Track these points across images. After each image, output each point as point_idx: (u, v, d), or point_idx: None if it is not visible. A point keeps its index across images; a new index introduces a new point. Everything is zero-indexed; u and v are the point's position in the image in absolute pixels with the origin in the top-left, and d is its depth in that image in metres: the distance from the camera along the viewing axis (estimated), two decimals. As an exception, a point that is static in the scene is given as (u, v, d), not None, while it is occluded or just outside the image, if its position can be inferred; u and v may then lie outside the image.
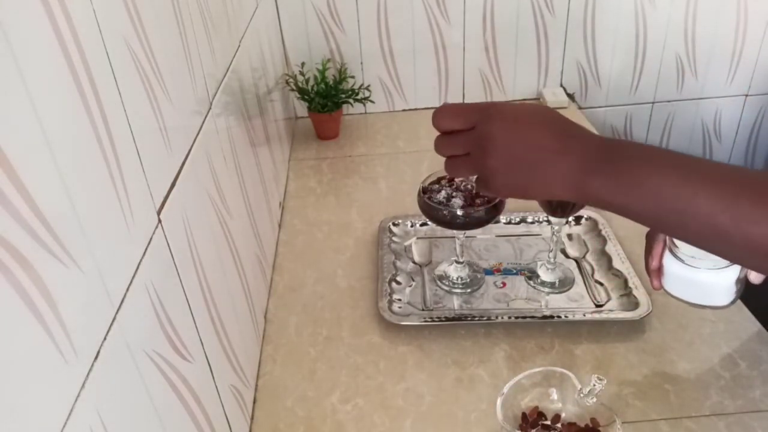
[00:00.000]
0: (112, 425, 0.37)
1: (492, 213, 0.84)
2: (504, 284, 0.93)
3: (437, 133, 0.57)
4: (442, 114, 0.56)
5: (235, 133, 0.80)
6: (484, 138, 0.53)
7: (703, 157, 0.53)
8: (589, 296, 0.89)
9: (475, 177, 0.58)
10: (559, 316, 0.84)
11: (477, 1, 1.36)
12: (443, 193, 0.86)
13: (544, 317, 0.85)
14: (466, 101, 1.48)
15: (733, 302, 0.67)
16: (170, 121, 0.53)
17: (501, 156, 0.52)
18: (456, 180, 0.88)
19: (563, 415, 0.68)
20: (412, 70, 1.44)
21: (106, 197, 0.40)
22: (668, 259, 0.68)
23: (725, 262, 0.64)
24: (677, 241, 0.67)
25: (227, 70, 0.78)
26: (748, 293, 0.81)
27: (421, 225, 1.04)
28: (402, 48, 1.40)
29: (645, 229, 1.00)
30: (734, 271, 0.64)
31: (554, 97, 1.44)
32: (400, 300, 0.90)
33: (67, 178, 0.35)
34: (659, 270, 0.71)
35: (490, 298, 0.90)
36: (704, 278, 0.66)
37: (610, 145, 0.50)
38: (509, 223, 1.04)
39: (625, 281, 0.89)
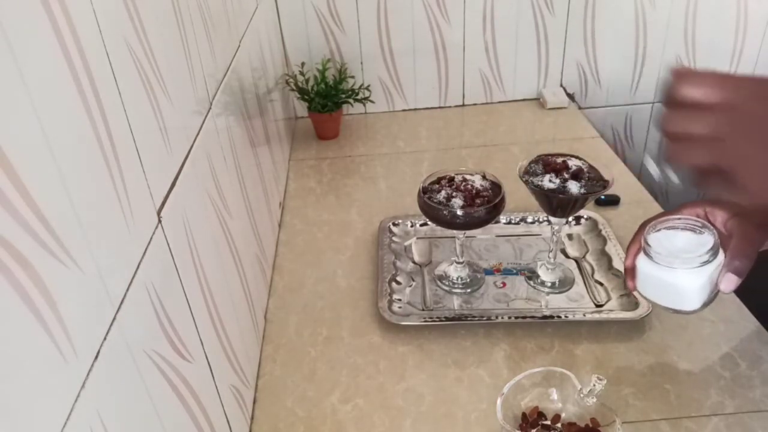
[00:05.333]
0: (112, 425, 0.37)
1: (492, 213, 0.84)
2: (504, 284, 0.93)
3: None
4: (690, 80, 0.44)
5: (235, 133, 0.80)
6: (749, 119, 0.43)
7: None
8: (589, 296, 0.89)
9: (693, 171, 0.46)
10: (559, 316, 0.84)
11: (477, 1, 1.36)
12: (443, 193, 0.86)
13: (544, 317, 0.84)
14: (466, 101, 1.48)
15: (703, 307, 0.67)
16: (170, 121, 0.54)
17: None
18: (456, 180, 0.88)
19: (563, 415, 0.68)
20: (412, 70, 1.43)
21: (106, 197, 0.40)
22: (641, 260, 0.69)
23: (695, 263, 0.64)
24: (650, 240, 0.67)
25: (227, 70, 0.78)
26: (747, 293, 0.81)
27: (421, 225, 1.04)
28: (402, 48, 1.40)
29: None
30: (703, 274, 0.64)
31: (554, 97, 1.44)
32: (400, 300, 0.90)
33: (67, 178, 0.35)
34: (633, 270, 0.71)
35: (490, 298, 0.90)
36: (674, 279, 0.66)
37: None
38: (509, 223, 1.04)
39: (625, 281, 0.88)
